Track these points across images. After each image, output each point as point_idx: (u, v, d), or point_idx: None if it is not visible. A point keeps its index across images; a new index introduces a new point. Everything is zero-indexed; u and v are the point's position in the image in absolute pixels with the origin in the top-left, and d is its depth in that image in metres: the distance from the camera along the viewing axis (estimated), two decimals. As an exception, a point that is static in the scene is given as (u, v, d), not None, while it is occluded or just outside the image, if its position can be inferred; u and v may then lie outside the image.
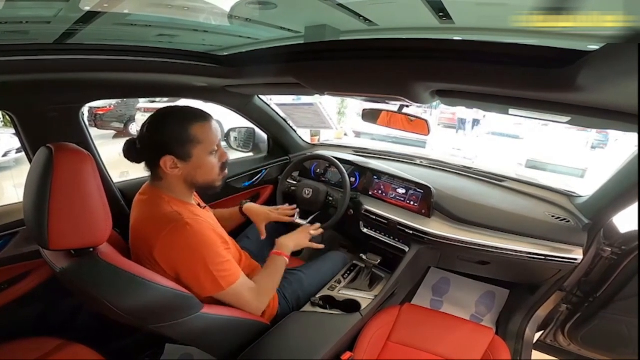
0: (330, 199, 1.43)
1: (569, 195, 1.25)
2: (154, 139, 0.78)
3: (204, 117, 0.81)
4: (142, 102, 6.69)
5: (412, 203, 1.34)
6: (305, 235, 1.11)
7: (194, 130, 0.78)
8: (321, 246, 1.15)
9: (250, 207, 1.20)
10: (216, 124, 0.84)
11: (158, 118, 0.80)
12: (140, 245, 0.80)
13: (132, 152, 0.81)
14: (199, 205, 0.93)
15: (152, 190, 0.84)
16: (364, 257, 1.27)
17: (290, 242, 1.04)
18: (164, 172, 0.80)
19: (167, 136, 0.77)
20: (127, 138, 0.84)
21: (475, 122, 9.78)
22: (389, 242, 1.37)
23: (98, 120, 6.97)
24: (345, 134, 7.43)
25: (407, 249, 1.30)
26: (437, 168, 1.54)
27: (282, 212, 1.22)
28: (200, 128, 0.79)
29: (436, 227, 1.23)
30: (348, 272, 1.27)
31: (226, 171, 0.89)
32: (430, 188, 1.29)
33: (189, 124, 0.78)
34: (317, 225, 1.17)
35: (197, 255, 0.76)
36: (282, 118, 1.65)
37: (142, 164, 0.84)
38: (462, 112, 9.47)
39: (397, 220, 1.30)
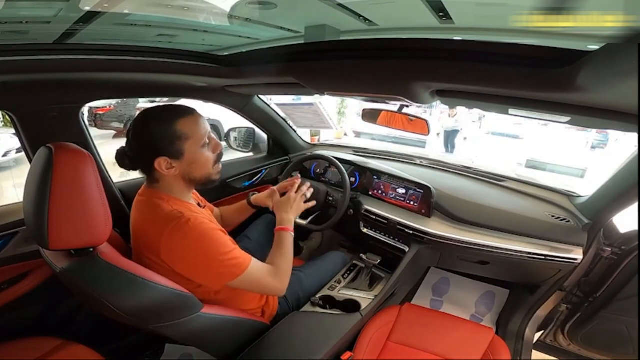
0: (330, 199, 1.43)
1: (568, 195, 1.25)
2: (142, 143, 0.77)
3: (187, 111, 0.80)
4: (142, 102, 6.69)
5: (412, 203, 1.34)
6: (295, 199, 1.06)
7: (180, 126, 0.77)
8: (312, 203, 1.12)
9: (257, 198, 1.22)
10: (202, 116, 0.82)
11: (141, 121, 0.78)
12: (142, 248, 0.80)
13: (125, 160, 0.80)
14: (198, 204, 0.93)
15: (150, 191, 0.84)
16: (364, 257, 1.27)
17: (289, 214, 1.02)
18: (160, 174, 0.80)
19: (155, 137, 0.76)
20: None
21: (450, 134, 6.46)
22: (388, 242, 1.37)
23: (98, 120, 6.96)
24: (345, 134, 7.44)
25: (407, 249, 1.30)
26: (436, 168, 1.54)
27: (281, 186, 1.19)
28: (185, 123, 0.78)
29: (436, 227, 1.23)
30: (348, 272, 1.27)
31: (220, 165, 0.88)
32: (430, 188, 1.29)
33: (173, 121, 0.77)
34: (306, 184, 1.13)
35: (205, 248, 0.76)
36: (282, 118, 1.65)
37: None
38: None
39: (397, 220, 1.30)
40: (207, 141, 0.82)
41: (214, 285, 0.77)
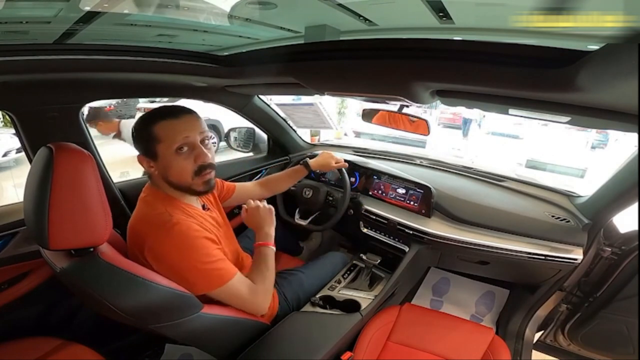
0: (330, 198, 1.43)
1: (568, 195, 1.25)
2: (133, 136, 0.82)
3: (171, 114, 0.77)
4: (142, 102, 6.68)
5: (412, 203, 1.34)
6: (261, 211, 0.99)
7: (156, 128, 0.77)
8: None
9: (316, 163, 1.32)
10: (189, 121, 0.79)
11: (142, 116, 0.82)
12: (133, 245, 0.81)
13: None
14: (203, 206, 0.93)
15: (150, 188, 0.86)
16: (364, 257, 1.27)
17: (266, 228, 0.96)
18: (148, 171, 0.83)
19: (135, 136, 0.80)
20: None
21: (468, 121, 9.15)
22: (388, 242, 1.37)
23: (98, 120, 6.96)
24: (345, 134, 7.43)
25: (407, 249, 1.30)
26: (436, 168, 1.54)
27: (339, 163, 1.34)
28: (162, 126, 0.76)
29: (436, 227, 1.23)
30: (348, 272, 1.27)
31: (209, 175, 0.83)
32: (430, 188, 1.29)
33: (151, 122, 0.77)
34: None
35: (186, 255, 0.76)
36: (282, 118, 1.65)
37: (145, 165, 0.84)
38: (466, 113, 9.18)
39: (397, 220, 1.30)
40: (183, 148, 0.78)
41: (193, 293, 0.77)
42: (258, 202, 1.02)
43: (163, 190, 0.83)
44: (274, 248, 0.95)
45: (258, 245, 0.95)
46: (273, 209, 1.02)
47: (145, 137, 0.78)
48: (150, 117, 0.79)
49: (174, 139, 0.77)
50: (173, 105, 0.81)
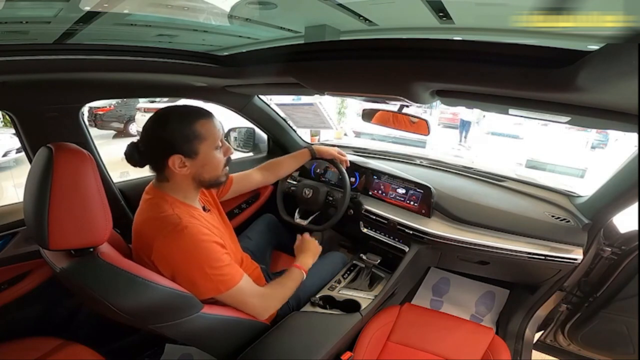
0: (330, 198, 1.43)
1: (568, 195, 1.25)
2: (159, 139, 0.78)
3: (206, 114, 0.82)
4: (142, 102, 6.70)
5: (412, 203, 1.34)
6: (313, 244, 1.15)
7: (198, 126, 0.79)
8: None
9: (319, 148, 1.38)
10: (217, 119, 0.85)
11: (160, 118, 0.79)
12: (139, 247, 0.80)
13: (135, 155, 0.80)
14: (203, 208, 0.93)
15: (156, 191, 0.84)
16: (363, 257, 1.27)
17: (309, 259, 1.08)
18: (171, 173, 0.80)
19: (173, 135, 0.77)
20: (127, 138, 0.84)
21: (466, 123, 8.58)
22: (388, 242, 1.37)
23: (98, 120, 6.97)
24: (345, 134, 7.44)
25: (407, 249, 1.30)
26: (436, 168, 1.53)
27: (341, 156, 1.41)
28: (203, 124, 0.80)
29: (436, 227, 1.23)
30: (348, 272, 1.27)
31: (227, 168, 0.90)
32: (430, 188, 1.29)
33: (192, 121, 0.79)
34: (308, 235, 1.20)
35: (194, 259, 0.76)
36: (282, 118, 1.65)
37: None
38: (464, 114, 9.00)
39: (397, 220, 1.30)
40: (220, 144, 0.84)
41: (197, 296, 0.77)
42: (314, 239, 1.17)
43: (173, 193, 0.82)
44: (305, 275, 1.02)
45: (295, 265, 1.03)
46: (321, 248, 1.16)
47: (189, 136, 0.78)
48: (189, 117, 0.79)
49: (216, 136, 0.82)
50: (198, 107, 0.84)
